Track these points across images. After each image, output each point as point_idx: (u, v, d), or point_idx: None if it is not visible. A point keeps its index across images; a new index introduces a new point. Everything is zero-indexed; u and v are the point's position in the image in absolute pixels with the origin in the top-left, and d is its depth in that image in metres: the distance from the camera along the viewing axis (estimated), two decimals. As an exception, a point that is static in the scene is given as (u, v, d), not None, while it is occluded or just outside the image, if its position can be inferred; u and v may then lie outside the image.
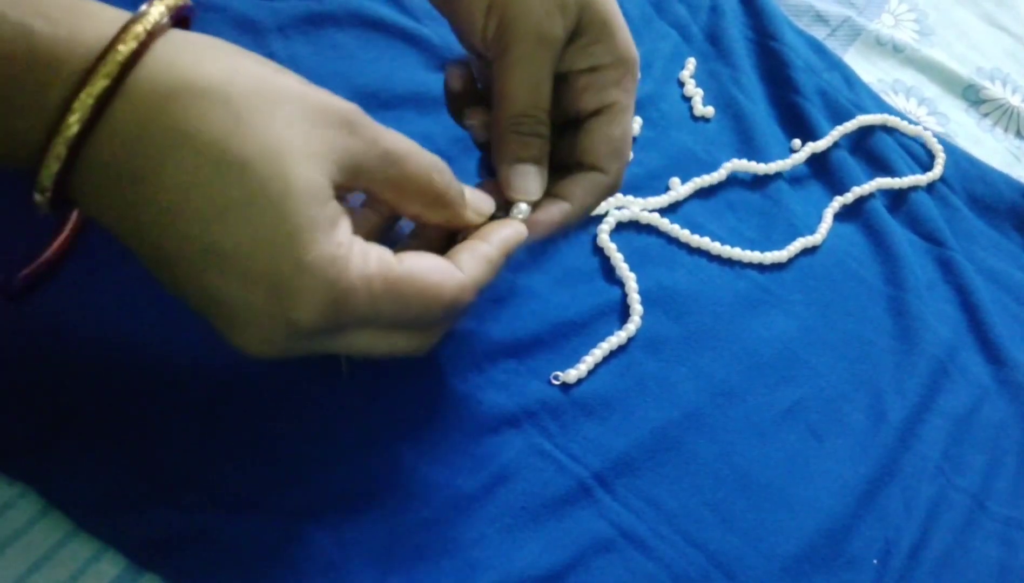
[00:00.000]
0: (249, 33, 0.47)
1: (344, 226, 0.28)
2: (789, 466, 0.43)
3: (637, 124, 0.53)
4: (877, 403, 0.46)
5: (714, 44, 0.59)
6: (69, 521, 0.33)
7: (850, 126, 0.56)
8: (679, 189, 0.50)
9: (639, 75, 0.38)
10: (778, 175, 0.54)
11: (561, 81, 0.37)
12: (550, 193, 0.37)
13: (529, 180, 0.36)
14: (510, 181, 0.36)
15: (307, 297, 0.27)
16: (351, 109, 0.29)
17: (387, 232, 0.35)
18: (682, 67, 0.58)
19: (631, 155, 0.51)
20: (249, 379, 0.37)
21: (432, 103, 0.49)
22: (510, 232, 0.35)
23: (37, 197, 0.28)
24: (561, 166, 0.38)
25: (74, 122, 0.26)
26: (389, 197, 0.32)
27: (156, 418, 0.36)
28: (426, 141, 0.46)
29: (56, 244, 0.37)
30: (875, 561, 0.41)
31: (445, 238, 0.36)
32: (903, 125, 0.58)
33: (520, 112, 0.35)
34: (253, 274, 0.27)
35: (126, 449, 0.35)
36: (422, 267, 0.31)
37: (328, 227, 0.28)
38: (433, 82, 0.50)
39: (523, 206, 0.36)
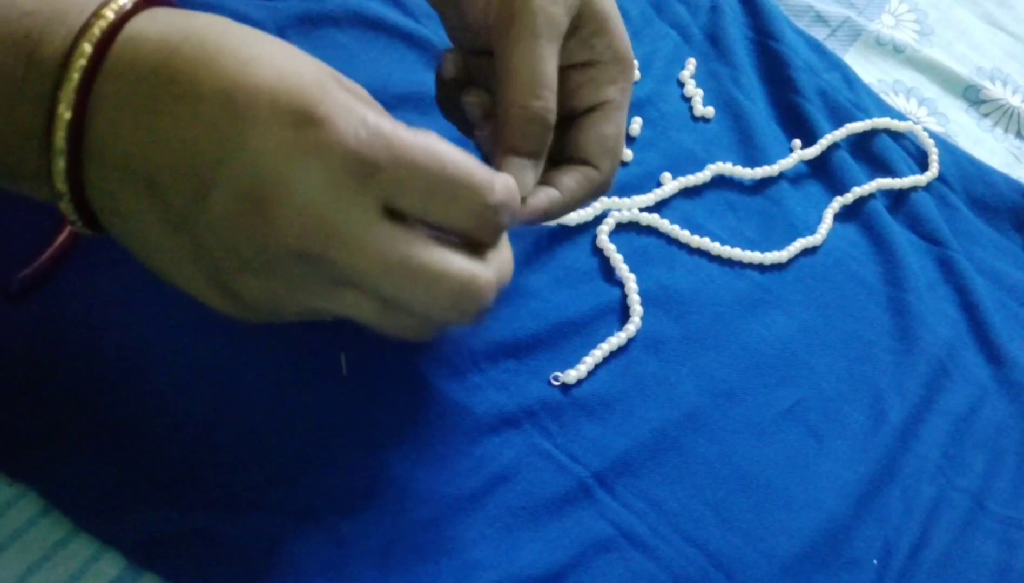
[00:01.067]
0: (249, 33, 0.47)
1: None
2: (789, 466, 0.43)
3: (637, 124, 0.53)
4: (877, 403, 0.46)
5: (714, 44, 0.59)
6: (69, 521, 0.33)
7: (839, 134, 0.56)
8: (666, 186, 0.50)
9: (635, 76, 0.38)
10: (780, 175, 0.54)
11: (558, 76, 0.36)
12: (540, 181, 0.36)
13: (523, 174, 0.35)
14: (504, 172, 0.35)
15: (340, 116, 0.26)
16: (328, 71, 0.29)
17: None
18: (682, 67, 0.58)
19: (628, 154, 0.51)
20: (249, 379, 0.37)
21: (432, 103, 0.48)
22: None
23: (66, 212, 0.28)
24: (552, 161, 0.38)
25: (64, 110, 0.26)
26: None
27: (156, 418, 0.36)
28: (426, 141, 0.47)
29: (56, 244, 0.37)
30: (875, 561, 0.41)
31: None
32: (893, 124, 0.58)
33: (527, 95, 0.34)
34: (276, 113, 0.26)
35: (126, 449, 0.35)
36: (465, 156, 0.29)
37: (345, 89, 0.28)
38: (432, 82, 0.49)
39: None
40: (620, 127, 0.38)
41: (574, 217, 0.47)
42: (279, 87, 0.26)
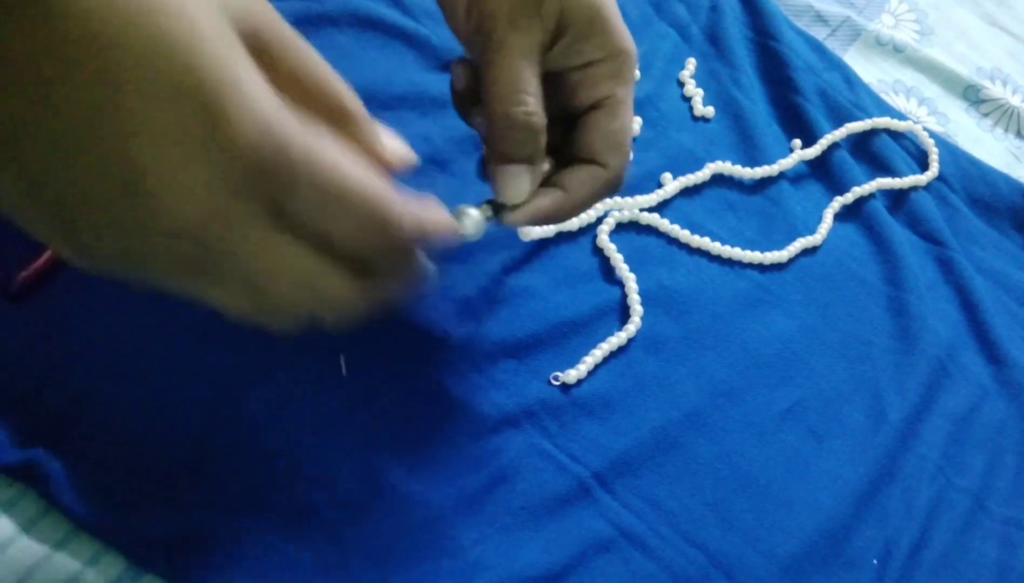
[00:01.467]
0: (249, 33, 0.47)
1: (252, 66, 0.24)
2: (789, 466, 0.43)
3: (637, 124, 0.53)
4: (877, 403, 0.46)
5: (714, 44, 0.59)
6: (69, 521, 0.33)
7: (839, 134, 0.56)
8: (667, 186, 0.50)
9: (636, 68, 0.37)
10: (780, 175, 0.54)
11: (556, 78, 0.36)
12: (546, 182, 0.36)
13: (517, 181, 0.34)
14: (496, 181, 0.35)
15: (242, 111, 0.23)
16: None
17: None
18: (682, 67, 0.58)
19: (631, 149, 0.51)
20: (249, 379, 0.37)
21: (431, 103, 0.49)
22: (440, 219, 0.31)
23: None
24: (563, 163, 0.37)
25: None
26: (290, 93, 0.26)
27: (156, 418, 0.36)
28: (425, 142, 0.47)
29: (56, 244, 0.37)
30: (875, 561, 0.41)
31: None
32: (893, 124, 0.58)
33: (508, 106, 0.34)
34: (164, 91, 0.22)
35: (126, 449, 0.35)
36: (367, 172, 0.26)
37: (247, 57, 0.24)
38: (432, 82, 0.50)
39: (472, 212, 0.34)
40: (624, 121, 0.37)
41: (575, 221, 0.47)
42: (165, 55, 0.22)
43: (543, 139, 0.35)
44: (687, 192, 0.52)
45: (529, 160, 0.34)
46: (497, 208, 0.35)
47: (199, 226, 0.23)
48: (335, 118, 0.28)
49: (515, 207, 0.35)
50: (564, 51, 0.35)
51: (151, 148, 0.22)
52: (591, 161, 0.37)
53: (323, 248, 0.26)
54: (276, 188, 0.24)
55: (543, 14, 0.34)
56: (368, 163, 0.27)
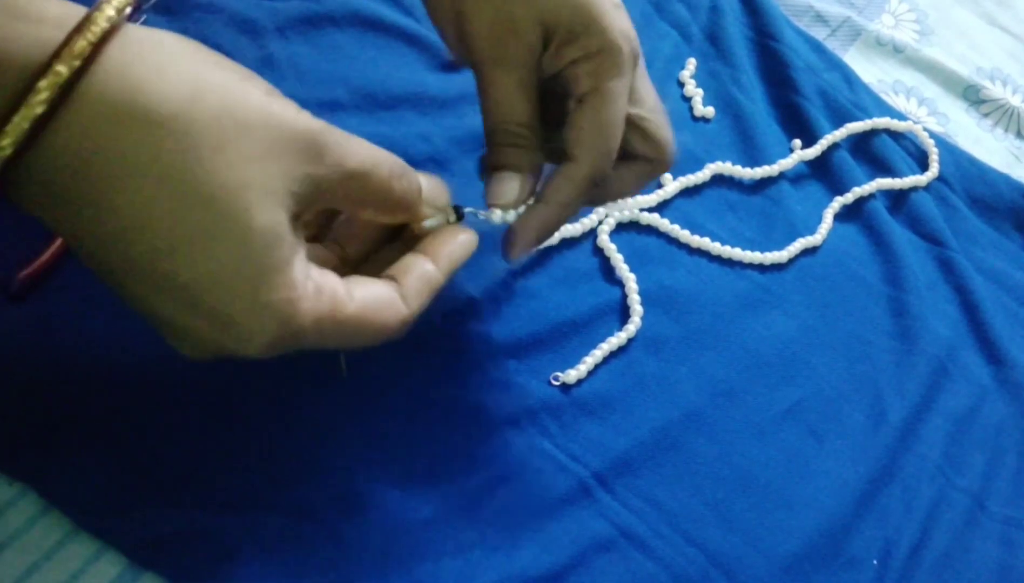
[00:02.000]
0: (248, 33, 0.47)
1: (300, 261, 0.28)
2: (789, 466, 0.43)
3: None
4: (877, 403, 0.46)
5: (714, 44, 0.59)
6: (69, 521, 0.33)
7: (839, 134, 0.56)
8: (667, 187, 0.50)
9: (632, 59, 0.37)
10: (780, 175, 0.54)
11: (552, 81, 0.36)
12: (537, 197, 0.36)
13: (504, 185, 0.36)
14: (489, 187, 0.36)
15: (257, 337, 0.28)
16: (317, 130, 0.28)
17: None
18: (682, 67, 0.58)
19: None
20: (248, 379, 0.37)
21: (431, 103, 0.49)
22: (457, 248, 0.34)
23: None
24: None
25: (7, 145, 0.24)
26: (347, 208, 0.32)
27: (156, 418, 0.36)
28: (425, 141, 0.47)
29: (56, 244, 0.37)
30: (875, 561, 0.41)
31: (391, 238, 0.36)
32: (893, 124, 0.58)
33: (502, 121, 0.35)
34: (204, 308, 0.27)
35: (126, 449, 0.35)
36: (371, 304, 0.30)
37: (285, 267, 0.27)
38: (432, 82, 0.50)
39: (498, 213, 0.36)
40: (602, 114, 0.36)
41: (578, 226, 0.47)
42: (252, 232, 0.26)
43: (532, 151, 0.36)
44: (687, 192, 0.52)
45: (517, 169, 0.36)
46: (457, 210, 0.36)
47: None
48: (387, 209, 0.32)
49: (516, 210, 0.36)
50: (551, 56, 0.35)
51: (187, 324, 0.28)
52: (566, 159, 0.36)
53: None
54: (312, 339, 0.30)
55: (520, 31, 0.34)
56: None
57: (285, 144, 0.27)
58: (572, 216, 0.37)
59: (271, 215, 0.26)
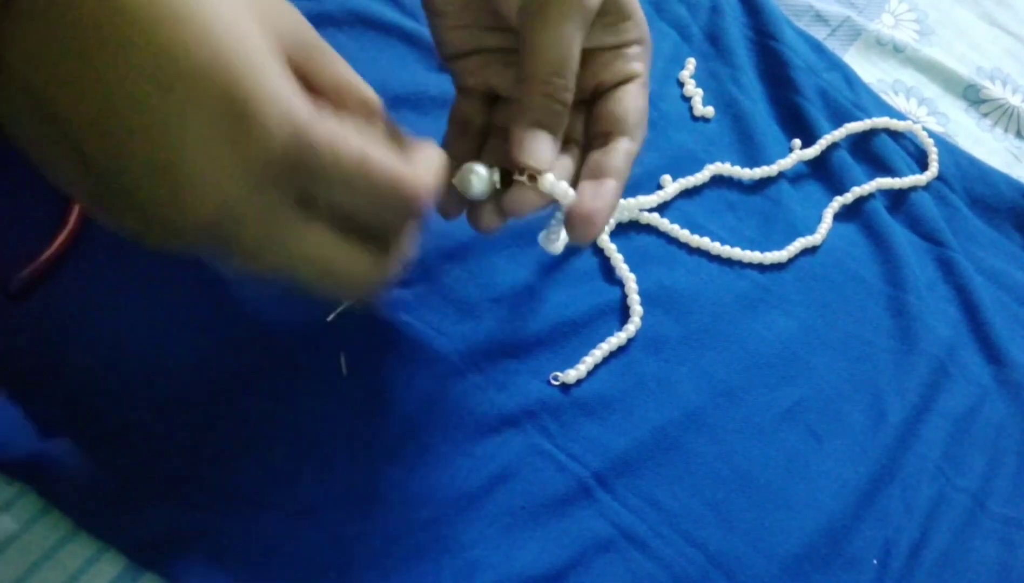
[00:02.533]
0: (249, 33, 0.47)
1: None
2: (789, 466, 0.43)
3: (637, 124, 0.53)
4: (877, 403, 0.46)
5: (714, 44, 0.59)
6: (69, 521, 0.33)
7: (838, 134, 0.56)
8: (667, 188, 0.50)
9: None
10: (780, 175, 0.54)
11: (585, 55, 0.35)
12: (585, 172, 0.35)
13: (543, 147, 0.34)
14: (524, 144, 0.34)
15: (269, 121, 0.25)
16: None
17: None
18: (682, 67, 0.58)
19: None
20: (249, 378, 0.37)
21: (431, 103, 0.49)
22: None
23: None
24: (566, 142, 0.36)
25: None
26: (328, 85, 0.30)
27: (156, 417, 0.36)
28: (426, 141, 0.47)
29: (56, 244, 0.37)
30: (875, 561, 0.41)
31: None
32: (893, 123, 0.58)
33: (551, 71, 0.33)
34: (207, 96, 0.25)
35: (126, 449, 0.35)
36: (387, 153, 0.29)
37: (285, 71, 0.26)
38: (432, 82, 0.50)
39: (566, 189, 0.34)
40: (647, 102, 0.37)
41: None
42: (212, 68, 0.24)
43: (566, 115, 0.35)
44: (687, 192, 0.52)
45: (554, 130, 0.34)
46: (505, 175, 0.34)
47: (224, 217, 0.26)
48: (369, 118, 0.31)
49: (531, 179, 0.34)
50: (602, 30, 0.35)
51: (187, 144, 0.25)
52: (615, 135, 0.36)
53: (346, 228, 0.29)
54: (303, 177, 0.27)
55: None
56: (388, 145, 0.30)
57: (239, 21, 0.26)
58: None
59: (263, 30, 0.26)
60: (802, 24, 0.64)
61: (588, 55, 0.36)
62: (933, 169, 0.58)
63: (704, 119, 0.56)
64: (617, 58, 0.36)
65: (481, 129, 0.39)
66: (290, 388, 0.38)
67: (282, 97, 0.26)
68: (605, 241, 0.47)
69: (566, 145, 0.37)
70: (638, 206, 0.49)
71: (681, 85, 0.57)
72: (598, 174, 0.35)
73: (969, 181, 0.59)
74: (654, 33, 0.58)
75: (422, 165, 0.31)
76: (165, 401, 0.36)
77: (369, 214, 0.30)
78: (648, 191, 0.50)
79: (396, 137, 0.32)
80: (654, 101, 0.55)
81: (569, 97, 0.34)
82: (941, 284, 0.53)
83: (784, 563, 0.40)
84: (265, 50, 0.26)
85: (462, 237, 0.44)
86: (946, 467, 0.45)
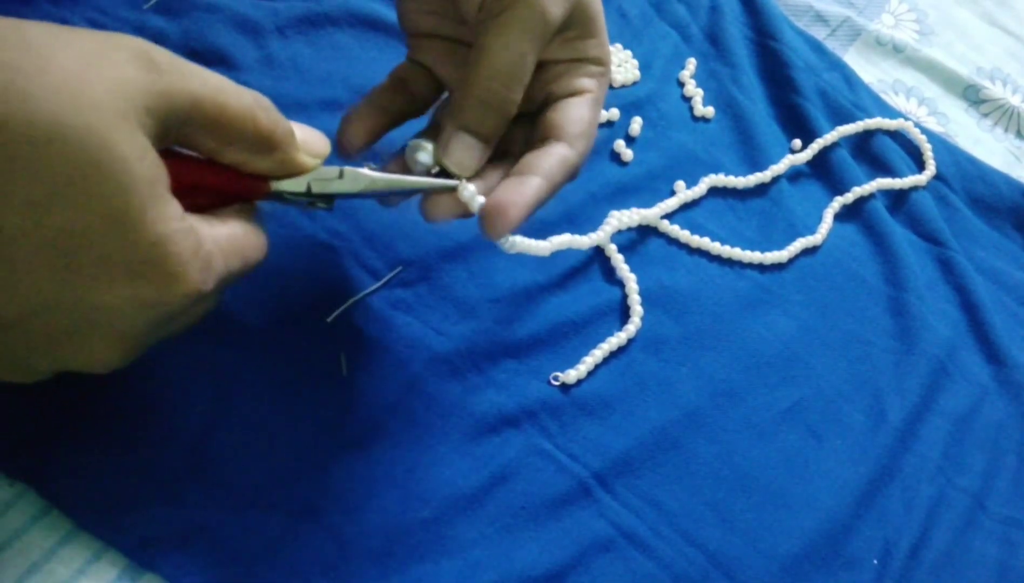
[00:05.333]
0: (248, 33, 0.47)
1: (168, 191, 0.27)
2: (789, 466, 0.43)
3: (637, 124, 0.53)
4: (877, 403, 0.46)
5: (714, 44, 0.59)
6: (69, 521, 0.33)
7: (830, 138, 0.56)
8: (668, 201, 0.49)
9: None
10: (774, 179, 0.54)
11: (540, 66, 0.35)
12: (513, 170, 0.34)
13: (469, 154, 0.33)
14: (450, 146, 0.33)
15: (183, 268, 0.26)
16: (144, 43, 0.26)
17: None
18: (682, 67, 0.58)
19: (629, 154, 0.51)
20: (249, 378, 0.37)
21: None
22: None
23: None
24: (506, 154, 0.36)
25: None
26: (210, 144, 0.29)
27: (156, 418, 0.36)
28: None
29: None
30: (875, 561, 0.41)
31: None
32: (885, 123, 0.58)
33: (495, 78, 0.32)
34: (115, 257, 0.25)
35: (126, 449, 0.35)
36: (243, 226, 0.30)
37: (166, 192, 0.26)
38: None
39: (471, 187, 0.33)
40: (597, 117, 0.36)
41: (586, 239, 0.46)
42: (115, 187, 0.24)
43: (504, 126, 0.34)
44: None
45: (486, 140, 0.33)
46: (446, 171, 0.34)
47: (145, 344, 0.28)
48: (256, 145, 0.29)
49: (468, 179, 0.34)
50: (562, 44, 0.35)
51: (102, 287, 0.25)
52: (555, 142, 0.35)
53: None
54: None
55: (564, 3, 0.33)
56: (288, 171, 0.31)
57: (116, 44, 0.26)
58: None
59: (134, 140, 0.25)
60: (802, 24, 0.64)
61: (543, 66, 0.35)
62: (930, 167, 0.58)
63: (704, 119, 0.56)
64: (571, 73, 0.36)
65: (414, 96, 0.38)
66: (290, 387, 0.38)
67: (181, 231, 0.26)
68: (605, 241, 0.47)
69: (503, 156, 0.35)
70: (642, 220, 0.48)
71: (681, 85, 0.57)
72: (524, 171, 0.33)
73: (969, 181, 0.59)
74: (654, 33, 0.59)
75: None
76: (165, 401, 0.36)
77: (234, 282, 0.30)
78: (650, 192, 0.50)
79: (283, 137, 0.31)
80: (654, 101, 0.55)
81: (510, 109, 0.33)
82: (941, 284, 0.53)
83: (784, 563, 0.40)
84: (141, 164, 0.25)
85: (462, 237, 0.44)
86: (946, 467, 0.45)
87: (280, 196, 0.32)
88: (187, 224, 0.26)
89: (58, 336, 0.26)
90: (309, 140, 0.31)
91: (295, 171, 0.31)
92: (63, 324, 0.26)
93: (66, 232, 0.24)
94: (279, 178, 0.31)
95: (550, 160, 0.34)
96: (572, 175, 0.35)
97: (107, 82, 0.25)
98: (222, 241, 0.28)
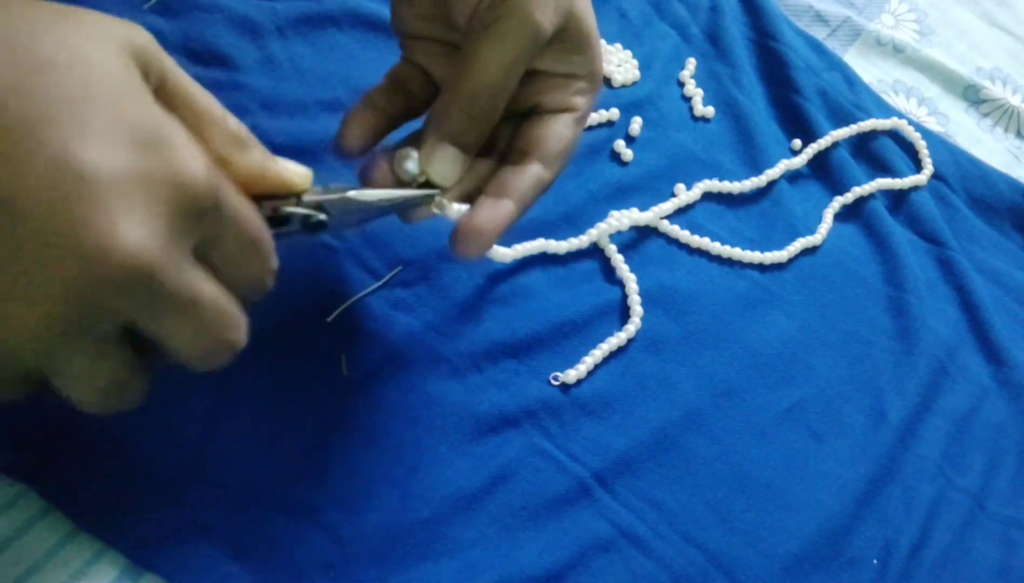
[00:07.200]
0: (248, 34, 0.47)
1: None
2: (789, 466, 0.43)
3: (637, 124, 0.53)
4: (877, 403, 0.46)
5: (714, 44, 0.59)
6: (69, 521, 0.33)
7: (824, 142, 0.56)
8: (663, 205, 0.49)
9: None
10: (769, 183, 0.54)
11: (529, 76, 0.35)
12: (489, 187, 0.34)
13: (450, 165, 0.33)
14: (432, 156, 0.33)
15: (188, 150, 0.24)
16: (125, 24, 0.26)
17: None
18: (682, 67, 0.58)
19: (629, 154, 0.51)
20: (249, 379, 0.37)
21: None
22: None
23: None
24: (490, 147, 0.36)
25: None
26: (187, 119, 0.27)
27: (157, 418, 0.36)
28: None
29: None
30: (875, 561, 0.41)
31: None
32: (880, 123, 0.58)
33: (479, 90, 0.32)
34: (120, 129, 0.23)
35: (126, 449, 0.35)
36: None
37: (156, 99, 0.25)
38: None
39: (455, 205, 0.33)
40: (579, 135, 0.36)
41: (564, 245, 0.46)
42: (126, 108, 0.23)
43: (483, 138, 0.34)
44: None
45: (467, 148, 0.34)
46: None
47: (142, 274, 0.23)
48: (235, 142, 0.28)
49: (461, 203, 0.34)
50: (554, 56, 0.35)
51: (99, 192, 0.22)
52: (536, 160, 0.35)
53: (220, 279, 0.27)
54: (207, 228, 0.25)
55: (557, 11, 0.33)
56: (271, 182, 0.29)
57: (112, 24, 0.25)
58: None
59: (120, 56, 0.24)
60: (802, 24, 0.64)
61: (534, 76, 0.35)
62: (927, 165, 0.58)
63: (704, 119, 0.56)
64: (561, 87, 0.36)
65: (412, 96, 0.38)
66: (290, 388, 0.38)
67: (189, 140, 0.24)
68: (605, 242, 0.47)
69: (487, 151, 0.36)
70: (633, 221, 0.48)
71: (681, 85, 0.57)
72: (500, 193, 0.34)
73: (969, 181, 0.59)
74: (653, 33, 0.59)
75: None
76: (166, 401, 0.36)
77: (244, 276, 0.28)
78: (650, 192, 0.50)
79: (255, 141, 0.30)
80: (654, 101, 0.55)
81: (493, 119, 0.33)
82: (941, 284, 0.53)
83: (784, 563, 0.40)
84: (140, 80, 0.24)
85: (462, 237, 0.44)
86: (946, 467, 0.45)
87: (272, 222, 0.30)
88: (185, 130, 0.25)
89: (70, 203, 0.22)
90: (291, 164, 0.30)
91: (281, 182, 0.30)
92: (73, 200, 0.22)
93: (55, 103, 0.22)
94: (269, 195, 0.30)
95: (526, 182, 0.34)
96: (544, 192, 0.35)
97: (92, 22, 0.25)
98: (232, 182, 0.27)
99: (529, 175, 0.34)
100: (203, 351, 0.27)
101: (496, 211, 0.33)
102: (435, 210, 0.33)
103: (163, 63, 0.26)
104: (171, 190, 0.23)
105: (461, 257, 0.33)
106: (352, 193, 0.32)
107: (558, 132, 0.35)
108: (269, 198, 0.30)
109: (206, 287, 0.25)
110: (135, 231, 0.22)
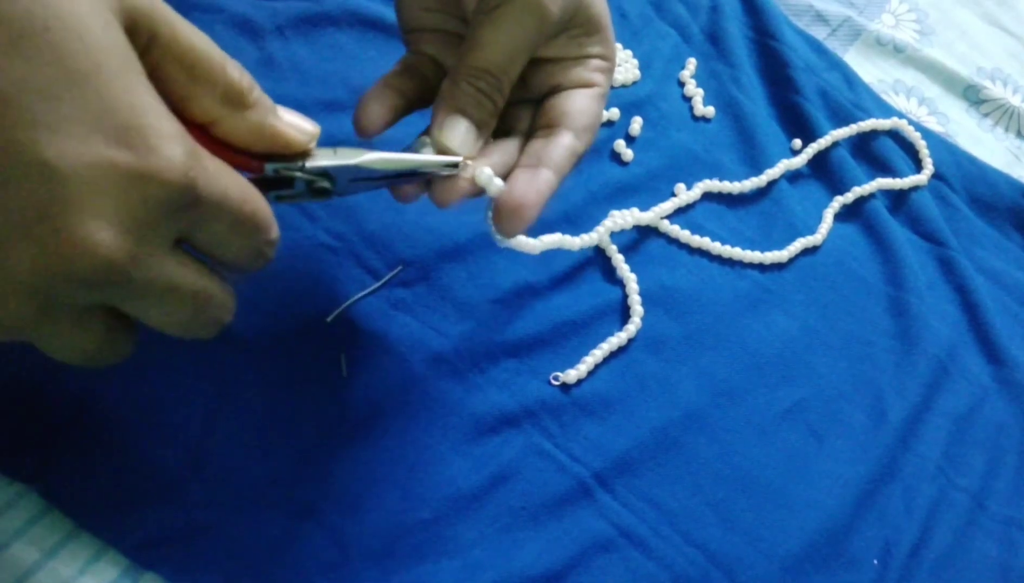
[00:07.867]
0: (247, 34, 0.47)
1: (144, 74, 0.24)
2: (789, 466, 0.43)
3: (637, 124, 0.53)
4: (877, 403, 0.46)
5: (714, 44, 0.59)
6: (69, 521, 0.33)
7: (823, 142, 0.56)
8: (663, 205, 0.49)
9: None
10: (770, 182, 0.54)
11: (545, 62, 0.35)
12: (523, 159, 0.34)
13: (460, 133, 0.33)
14: (443, 125, 0.33)
15: (165, 140, 0.23)
16: None
17: None
18: (682, 67, 0.58)
19: (629, 154, 0.51)
20: (249, 378, 0.37)
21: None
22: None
23: None
24: (510, 132, 0.36)
25: None
26: (180, 78, 0.26)
27: (156, 418, 0.36)
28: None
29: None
30: (875, 561, 0.41)
31: None
32: (880, 124, 0.58)
33: (485, 68, 0.32)
34: (92, 119, 0.22)
35: (126, 449, 0.35)
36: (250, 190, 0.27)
37: (141, 70, 0.24)
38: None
39: (487, 170, 0.32)
40: (601, 112, 0.36)
41: (577, 240, 0.46)
42: (98, 88, 0.22)
43: (495, 112, 0.34)
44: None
45: (480, 123, 0.33)
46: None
47: (116, 267, 0.23)
48: (230, 99, 0.27)
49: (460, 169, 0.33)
50: (567, 42, 0.35)
51: (77, 187, 0.22)
52: (562, 128, 0.34)
53: (207, 262, 0.27)
54: (191, 218, 0.25)
55: (564, 3, 0.33)
56: (270, 142, 0.28)
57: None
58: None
59: (101, 13, 0.23)
60: (802, 24, 0.64)
61: (548, 63, 0.35)
62: (927, 165, 0.58)
63: (704, 119, 0.56)
64: (578, 67, 0.36)
65: (426, 79, 0.37)
66: (290, 388, 0.38)
67: (167, 125, 0.23)
68: (606, 241, 0.47)
69: (509, 135, 0.35)
70: (636, 221, 0.48)
71: (682, 85, 0.57)
72: (535, 164, 0.33)
73: (969, 181, 0.59)
74: (653, 33, 0.59)
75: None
76: (165, 401, 0.36)
77: (234, 256, 0.27)
78: (650, 192, 0.50)
79: (257, 98, 0.28)
80: (654, 101, 0.55)
81: (499, 99, 0.33)
82: (941, 284, 0.53)
83: (784, 563, 0.40)
84: (123, 45, 0.23)
85: (461, 237, 0.44)
86: (946, 467, 0.45)
87: (276, 184, 0.30)
88: (167, 109, 0.24)
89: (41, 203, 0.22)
90: (295, 120, 0.29)
91: (281, 142, 0.28)
92: (40, 194, 0.22)
93: (24, 85, 0.22)
94: (270, 157, 0.29)
95: (560, 151, 0.34)
96: (576, 164, 0.35)
97: None
98: (218, 162, 0.25)
99: (561, 144, 0.34)
100: (185, 330, 0.27)
101: (535, 180, 0.33)
102: (479, 181, 0.32)
103: (154, 19, 0.25)
104: (145, 186, 0.23)
105: (506, 232, 0.33)
106: (366, 157, 0.31)
107: (584, 104, 0.35)
108: (273, 158, 0.29)
109: (186, 273, 0.25)
110: (104, 231, 0.22)
